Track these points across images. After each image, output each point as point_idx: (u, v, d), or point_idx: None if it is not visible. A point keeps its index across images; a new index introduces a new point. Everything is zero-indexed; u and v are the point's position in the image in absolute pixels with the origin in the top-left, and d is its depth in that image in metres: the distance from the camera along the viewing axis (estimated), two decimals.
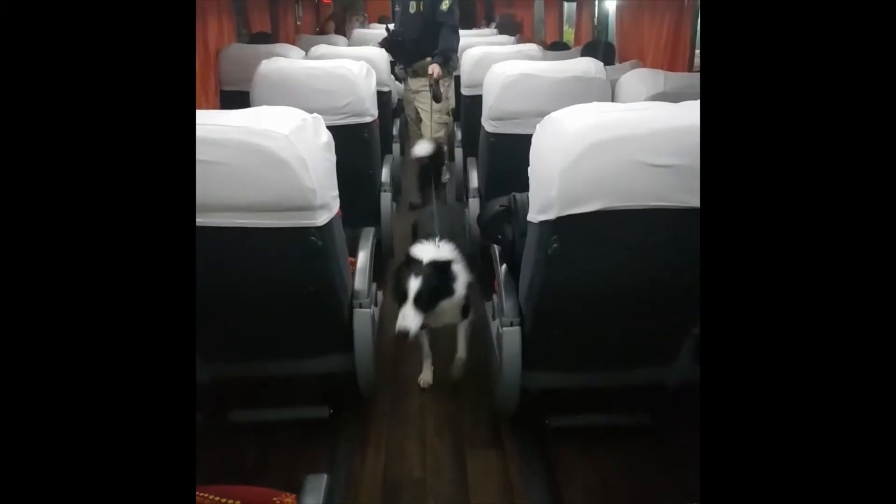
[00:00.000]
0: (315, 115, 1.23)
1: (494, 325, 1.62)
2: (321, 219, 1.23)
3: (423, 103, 3.12)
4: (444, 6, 2.94)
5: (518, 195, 1.57)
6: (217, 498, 0.96)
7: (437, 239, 1.68)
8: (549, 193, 1.16)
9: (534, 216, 1.24)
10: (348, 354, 1.59)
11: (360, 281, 1.59)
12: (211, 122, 1.11)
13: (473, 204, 2.38)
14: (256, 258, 1.28)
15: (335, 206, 1.29)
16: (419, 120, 3.22)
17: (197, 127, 1.13)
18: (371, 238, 1.78)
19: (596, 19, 3.70)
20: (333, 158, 1.27)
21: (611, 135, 1.09)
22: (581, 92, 1.98)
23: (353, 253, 1.68)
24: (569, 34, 4.93)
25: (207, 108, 2.58)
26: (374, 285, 1.76)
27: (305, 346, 1.60)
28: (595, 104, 1.18)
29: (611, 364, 1.57)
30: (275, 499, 1.05)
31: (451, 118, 3.27)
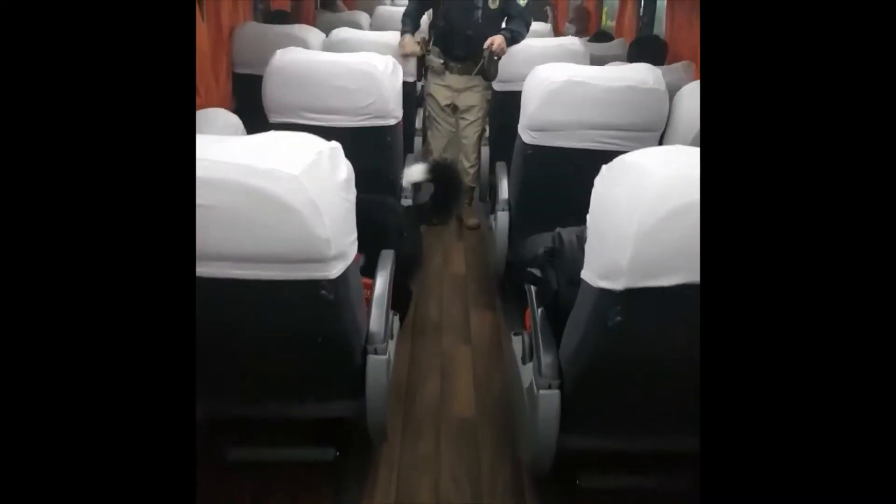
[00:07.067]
0: (334, 144, 1.01)
1: (526, 374, 1.42)
2: (334, 270, 1.02)
3: (468, 107, 2.72)
4: (522, 1, 2.57)
5: (564, 233, 1.35)
6: None
7: None
8: (616, 257, 0.94)
9: (592, 278, 1.02)
10: (358, 400, 1.40)
11: (377, 318, 1.39)
12: (206, 158, 0.89)
13: (502, 218, 2.10)
14: (258, 310, 1.08)
15: (352, 252, 1.08)
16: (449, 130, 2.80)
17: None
18: (390, 261, 1.57)
19: (642, 8, 3.35)
20: (353, 196, 1.05)
21: None
22: (636, 104, 1.73)
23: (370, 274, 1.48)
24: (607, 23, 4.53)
25: (218, 92, 2.33)
26: (393, 317, 1.56)
27: (310, 391, 1.42)
28: (687, 149, 0.95)
29: (657, 429, 1.38)
30: None
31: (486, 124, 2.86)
